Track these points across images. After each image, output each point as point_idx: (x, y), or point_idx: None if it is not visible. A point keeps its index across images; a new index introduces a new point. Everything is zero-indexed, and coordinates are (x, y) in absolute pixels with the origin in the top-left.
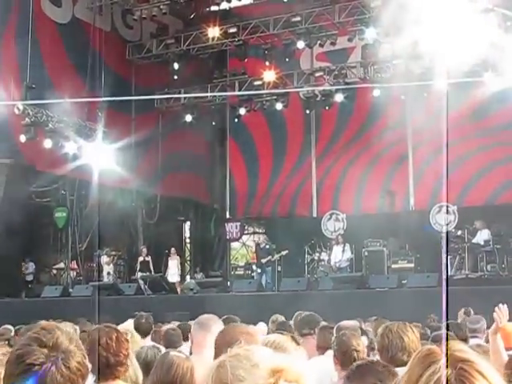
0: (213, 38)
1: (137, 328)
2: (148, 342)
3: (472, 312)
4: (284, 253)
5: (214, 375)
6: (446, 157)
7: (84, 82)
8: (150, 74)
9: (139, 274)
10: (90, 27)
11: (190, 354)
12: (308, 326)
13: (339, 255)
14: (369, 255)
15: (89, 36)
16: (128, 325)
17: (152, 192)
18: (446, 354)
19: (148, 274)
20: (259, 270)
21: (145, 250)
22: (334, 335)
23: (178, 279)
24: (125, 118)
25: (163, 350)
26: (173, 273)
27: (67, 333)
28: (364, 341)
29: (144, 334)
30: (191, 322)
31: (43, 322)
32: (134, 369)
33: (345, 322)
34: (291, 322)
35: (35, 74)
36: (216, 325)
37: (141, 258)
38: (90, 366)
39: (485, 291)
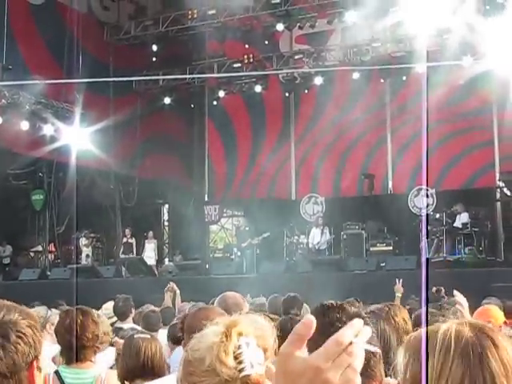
0: (192, 20)
1: (115, 311)
2: (129, 324)
3: (443, 291)
4: (266, 235)
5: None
6: (426, 140)
7: (60, 64)
8: (129, 56)
9: (123, 256)
10: (65, 8)
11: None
12: (292, 307)
13: (318, 237)
14: (347, 238)
15: (64, 18)
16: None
17: (130, 174)
18: (426, 336)
19: (130, 255)
20: (239, 253)
21: (128, 232)
22: None
23: (154, 263)
24: (103, 100)
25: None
26: (150, 256)
27: (6, 305)
28: None
29: (123, 317)
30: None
31: None
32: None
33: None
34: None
35: (9, 57)
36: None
37: (124, 240)
38: (40, 334)
39: (462, 274)
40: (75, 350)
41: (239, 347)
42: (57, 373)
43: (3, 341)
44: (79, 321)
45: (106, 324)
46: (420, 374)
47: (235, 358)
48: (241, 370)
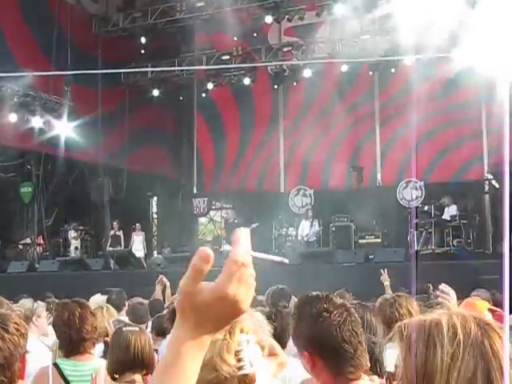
0: (180, 12)
1: (109, 304)
2: (120, 317)
3: (431, 288)
4: (254, 225)
5: None
6: (414, 132)
7: (48, 55)
8: (117, 48)
9: (110, 249)
10: (54, 0)
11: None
12: (280, 300)
13: (307, 229)
14: (336, 230)
15: (52, 9)
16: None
17: (119, 167)
18: (416, 326)
19: (118, 248)
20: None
21: (116, 224)
22: None
23: (142, 255)
24: (91, 93)
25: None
26: (137, 248)
27: None
28: None
29: (117, 310)
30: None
31: None
32: None
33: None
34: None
35: None
36: None
37: (112, 232)
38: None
39: (451, 266)
40: (74, 342)
41: (240, 344)
42: (56, 365)
43: (3, 332)
44: (77, 313)
45: (114, 315)
46: (420, 365)
47: (235, 354)
48: (240, 368)
